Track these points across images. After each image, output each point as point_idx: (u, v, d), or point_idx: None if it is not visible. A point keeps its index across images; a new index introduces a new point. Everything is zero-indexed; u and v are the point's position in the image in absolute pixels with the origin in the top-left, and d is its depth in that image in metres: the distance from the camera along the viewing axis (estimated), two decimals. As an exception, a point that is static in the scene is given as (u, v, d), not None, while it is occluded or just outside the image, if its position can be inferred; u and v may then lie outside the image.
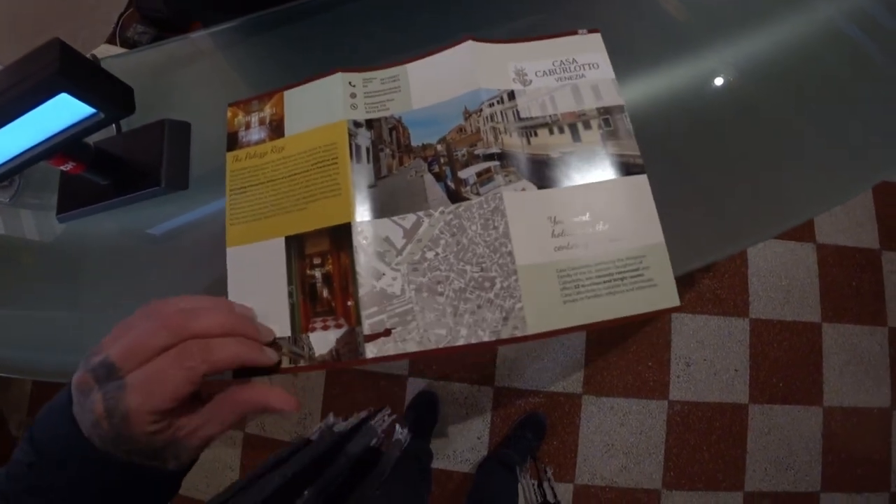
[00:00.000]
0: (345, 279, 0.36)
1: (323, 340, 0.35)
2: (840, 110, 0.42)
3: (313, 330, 0.36)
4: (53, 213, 0.50)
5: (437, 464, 1.25)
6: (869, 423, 1.31)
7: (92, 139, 0.41)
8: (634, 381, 1.30)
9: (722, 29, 0.44)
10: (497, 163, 0.35)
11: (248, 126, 0.43)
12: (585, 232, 0.33)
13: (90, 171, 0.43)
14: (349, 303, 0.36)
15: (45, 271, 0.52)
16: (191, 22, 0.95)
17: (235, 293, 0.38)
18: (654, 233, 0.33)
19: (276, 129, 0.42)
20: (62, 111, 0.35)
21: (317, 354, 0.35)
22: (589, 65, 0.38)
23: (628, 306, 0.32)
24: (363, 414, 0.39)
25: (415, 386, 1.31)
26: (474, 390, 1.30)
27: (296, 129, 0.41)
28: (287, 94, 0.43)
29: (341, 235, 0.37)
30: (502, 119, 0.36)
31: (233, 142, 0.43)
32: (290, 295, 0.37)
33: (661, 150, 0.40)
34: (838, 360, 1.33)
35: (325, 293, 0.36)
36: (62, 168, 0.41)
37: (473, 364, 1.31)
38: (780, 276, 1.37)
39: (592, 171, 0.35)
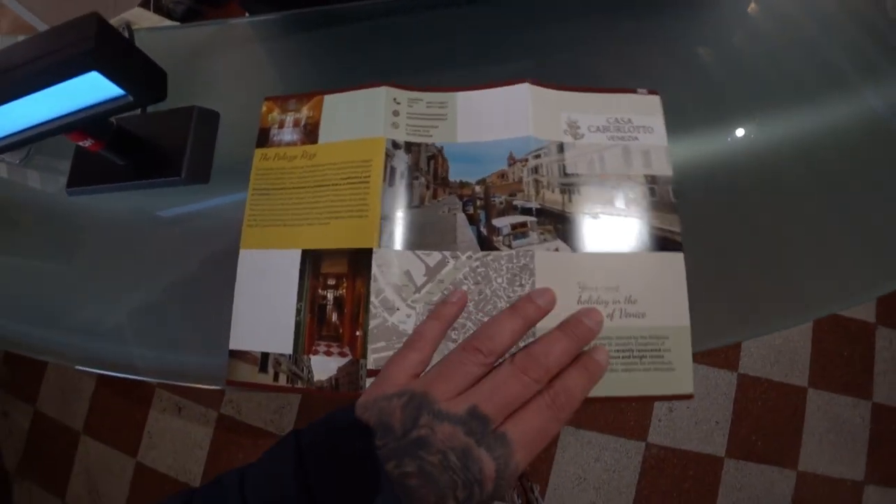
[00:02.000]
0: (357, 307, 0.35)
1: (324, 366, 0.34)
2: (880, 207, 0.41)
3: (316, 353, 0.35)
4: (62, 180, 0.48)
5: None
6: (840, 494, 1.31)
7: (114, 117, 0.39)
8: (616, 418, 1.30)
9: (771, 110, 0.43)
10: (534, 218, 0.34)
11: (281, 125, 0.41)
12: (612, 302, 0.32)
13: (108, 150, 0.41)
14: (357, 332, 0.34)
15: (46, 239, 0.51)
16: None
17: (242, 297, 0.37)
18: (681, 314, 0.32)
19: (310, 133, 0.40)
20: (91, 89, 0.33)
21: (315, 379, 0.34)
22: (644, 128, 0.37)
23: (642, 386, 0.31)
24: None
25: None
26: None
27: (330, 138, 0.39)
28: (327, 98, 0.41)
29: (361, 260, 0.35)
30: (547, 172, 0.35)
31: (263, 138, 0.41)
32: (298, 312, 0.36)
33: (694, 223, 0.39)
34: (819, 426, 1.33)
35: (335, 317, 0.35)
36: (81, 144, 0.40)
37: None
38: (774, 336, 1.37)
39: (630, 240, 0.34)
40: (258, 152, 0.41)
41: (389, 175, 0.37)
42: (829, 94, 0.43)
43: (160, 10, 1.14)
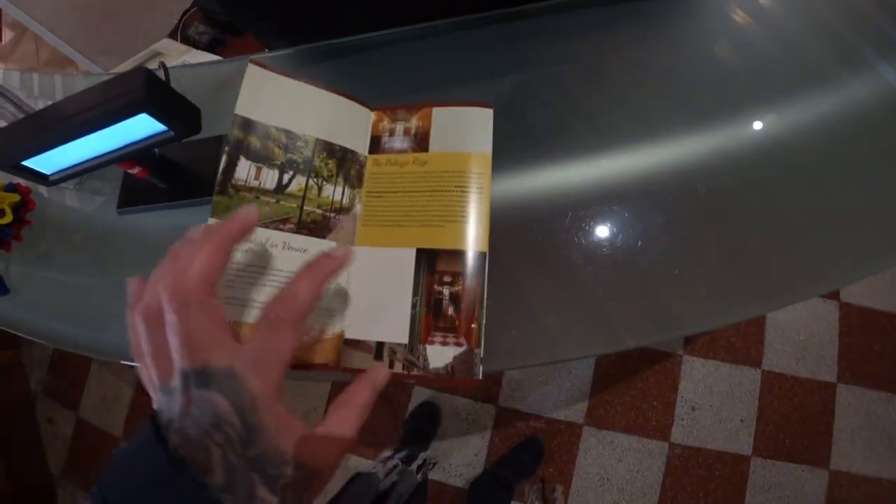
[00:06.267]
0: (473, 303, 0.38)
1: (440, 355, 0.37)
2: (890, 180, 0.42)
3: (432, 343, 0.38)
4: (112, 201, 0.55)
5: (431, 474, 1.27)
6: (877, 493, 1.26)
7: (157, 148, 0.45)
8: (637, 418, 1.30)
9: (781, 86, 0.45)
10: None
11: (391, 133, 0.45)
12: None
13: (153, 176, 0.47)
14: (473, 325, 0.38)
15: (96, 251, 0.57)
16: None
17: (356, 290, 0.40)
18: None
19: (421, 142, 0.43)
20: (140, 127, 0.39)
21: (431, 366, 0.37)
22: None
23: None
24: (391, 456, 0.39)
25: (420, 394, 1.34)
26: (477, 407, 1.32)
27: (441, 148, 0.43)
28: (436, 110, 0.44)
29: (477, 262, 0.39)
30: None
31: (375, 145, 0.44)
32: (414, 305, 0.38)
33: (699, 202, 0.42)
34: (851, 423, 1.29)
35: (451, 311, 0.38)
36: (130, 171, 0.46)
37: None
38: (799, 331, 1.34)
39: None
40: (370, 158, 0.44)
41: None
42: (839, 72, 0.45)
43: (186, 41, 1.23)
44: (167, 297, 0.22)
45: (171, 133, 0.40)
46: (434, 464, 0.72)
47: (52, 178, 0.44)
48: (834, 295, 1.36)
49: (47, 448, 1.64)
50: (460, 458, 1.29)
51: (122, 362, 0.51)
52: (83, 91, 0.37)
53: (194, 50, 1.12)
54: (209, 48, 1.23)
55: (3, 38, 2.11)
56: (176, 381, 0.21)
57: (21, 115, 0.51)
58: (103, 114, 0.36)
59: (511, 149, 0.45)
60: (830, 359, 1.33)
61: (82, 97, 0.37)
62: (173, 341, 0.22)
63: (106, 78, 0.65)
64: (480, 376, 0.37)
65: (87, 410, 1.63)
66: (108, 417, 1.60)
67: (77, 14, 1.32)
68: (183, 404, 0.21)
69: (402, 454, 0.74)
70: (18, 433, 1.59)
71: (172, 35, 1.25)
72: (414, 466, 0.70)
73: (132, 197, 0.52)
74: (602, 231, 0.43)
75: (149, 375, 0.24)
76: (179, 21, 1.25)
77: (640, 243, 0.42)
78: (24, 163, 0.41)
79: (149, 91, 0.35)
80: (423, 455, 0.70)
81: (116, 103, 0.36)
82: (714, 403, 1.29)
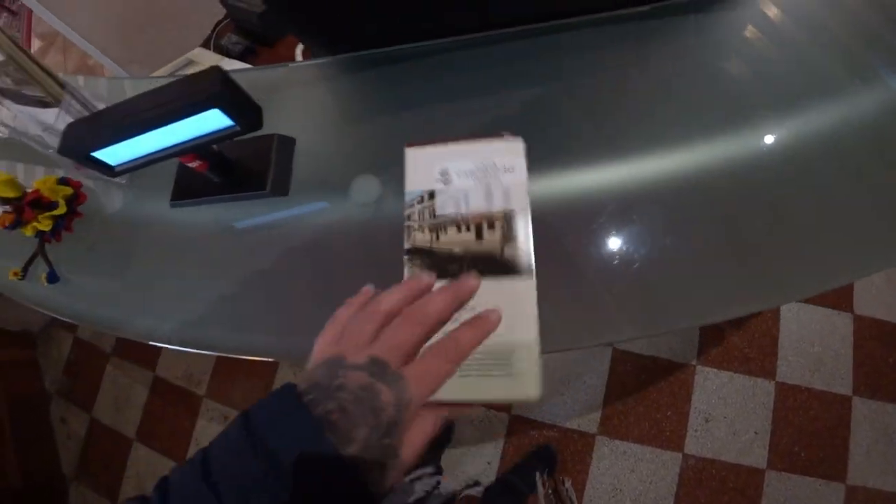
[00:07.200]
0: None
1: None
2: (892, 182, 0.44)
3: None
4: (157, 196, 0.58)
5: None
6: (895, 509, 1.25)
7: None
8: (650, 429, 1.29)
9: (793, 98, 0.48)
10: (406, 256, 0.37)
11: None
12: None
13: (210, 170, 0.50)
14: None
15: (140, 244, 0.60)
16: (280, 39, 1.05)
17: None
18: (528, 330, 0.34)
19: None
20: (209, 121, 0.42)
21: None
22: (505, 168, 0.40)
23: (489, 391, 0.33)
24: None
25: (433, 401, 1.34)
26: (490, 415, 1.32)
27: None
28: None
29: None
30: (419, 217, 0.39)
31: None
32: None
33: (706, 203, 0.44)
34: (867, 437, 1.28)
35: None
36: (190, 164, 0.48)
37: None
38: (813, 343, 1.34)
39: (487, 269, 0.36)
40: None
41: None
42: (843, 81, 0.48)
43: (219, 50, 1.28)
44: (417, 311, 0.29)
45: (237, 128, 0.43)
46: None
47: (117, 170, 0.47)
48: (848, 307, 1.37)
49: (60, 447, 1.64)
50: (473, 466, 1.29)
51: (150, 342, 0.54)
52: (161, 87, 0.40)
53: (227, 59, 1.16)
54: (241, 57, 1.27)
55: (32, 47, 2.19)
56: (360, 360, 0.27)
57: (86, 113, 0.54)
58: (180, 108, 0.39)
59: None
60: (846, 371, 1.32)
61: (157, 93, 0.40)
62: (391, 337, 0.28)
63: (127, 83, 0.69)
64: None
65: (100, 412, 1.64)
66: (122, 418, 1.60)
67: (111, 24, 1.38)
68: (353, 379, 0.26)
69: (428, 469, 0.76)
70: (32, 432, 1.60)
71: (205, 45, 1.30)
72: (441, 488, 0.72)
73: (185, 191, 0.55)
74: (615, 231, 0.45)
75: (328, 344, 0.29)
76: (213, 31, 1.30)
77: (663, 240, 0.44)
78: (94, 154, 0.43)
79: (222, 87, 0.38)
80: (437, 478, 0.72)
81: (193, 98, 0.39)
82: (728, 415, 1.29)
